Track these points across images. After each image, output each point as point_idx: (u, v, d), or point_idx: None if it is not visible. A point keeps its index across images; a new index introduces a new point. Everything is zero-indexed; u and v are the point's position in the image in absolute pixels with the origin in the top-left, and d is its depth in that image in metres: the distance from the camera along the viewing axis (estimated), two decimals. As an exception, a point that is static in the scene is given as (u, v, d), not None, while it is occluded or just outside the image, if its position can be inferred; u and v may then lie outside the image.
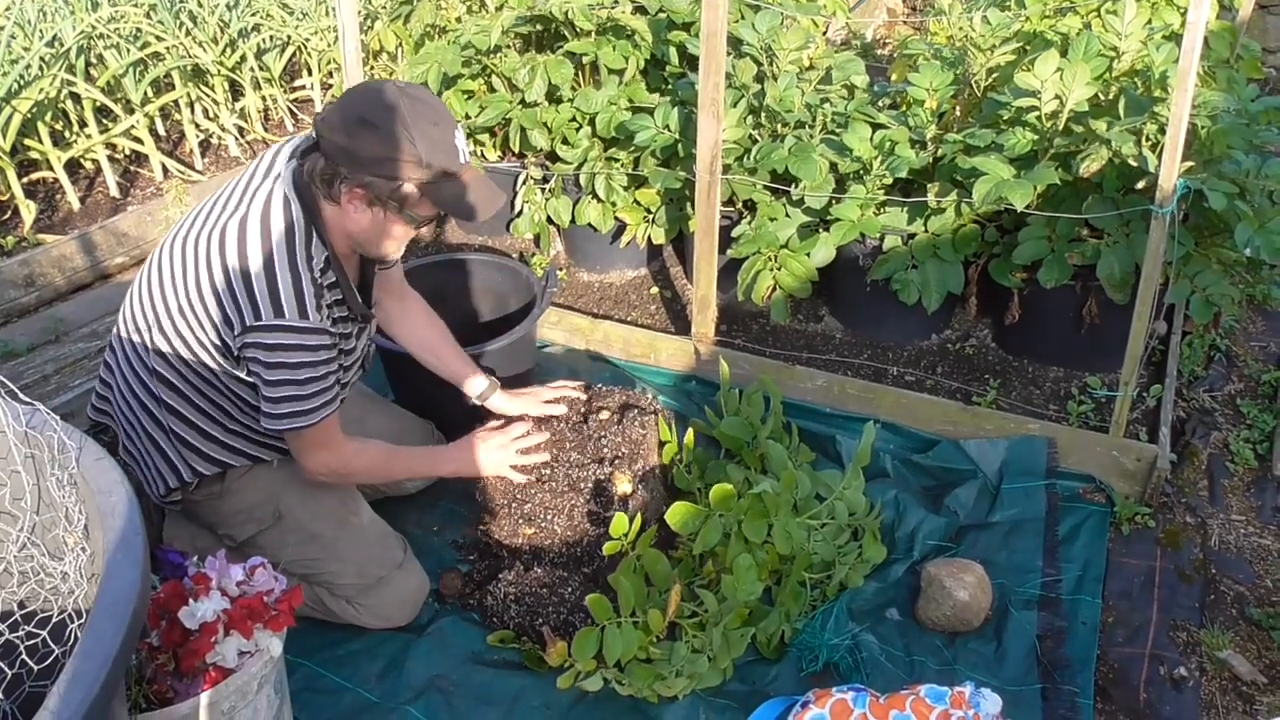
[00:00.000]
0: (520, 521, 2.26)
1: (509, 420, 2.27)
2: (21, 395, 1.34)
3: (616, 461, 2.26)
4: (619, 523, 2.09)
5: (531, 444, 2.21)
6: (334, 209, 1.82)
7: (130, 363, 1.94)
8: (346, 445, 1.99)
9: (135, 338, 1.92)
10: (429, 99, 1.78)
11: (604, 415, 2.36)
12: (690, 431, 2.48)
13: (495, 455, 2.18)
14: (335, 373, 1.88)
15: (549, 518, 2.23)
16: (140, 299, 1.92)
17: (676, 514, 2.10)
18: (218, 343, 1.82)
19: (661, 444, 2.41)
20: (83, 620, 1.11)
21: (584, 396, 2.38)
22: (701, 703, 1.95)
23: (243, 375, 1.85)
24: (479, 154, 3.45)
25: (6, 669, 1.19)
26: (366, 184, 1.75)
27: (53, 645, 1.17)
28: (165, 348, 1.87)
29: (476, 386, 2.30)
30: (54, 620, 1.20)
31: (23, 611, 1.25)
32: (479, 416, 2.33)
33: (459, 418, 2.35)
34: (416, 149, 1.73)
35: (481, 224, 3.71)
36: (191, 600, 1.53)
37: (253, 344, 1.77)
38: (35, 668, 1.18)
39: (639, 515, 2.14)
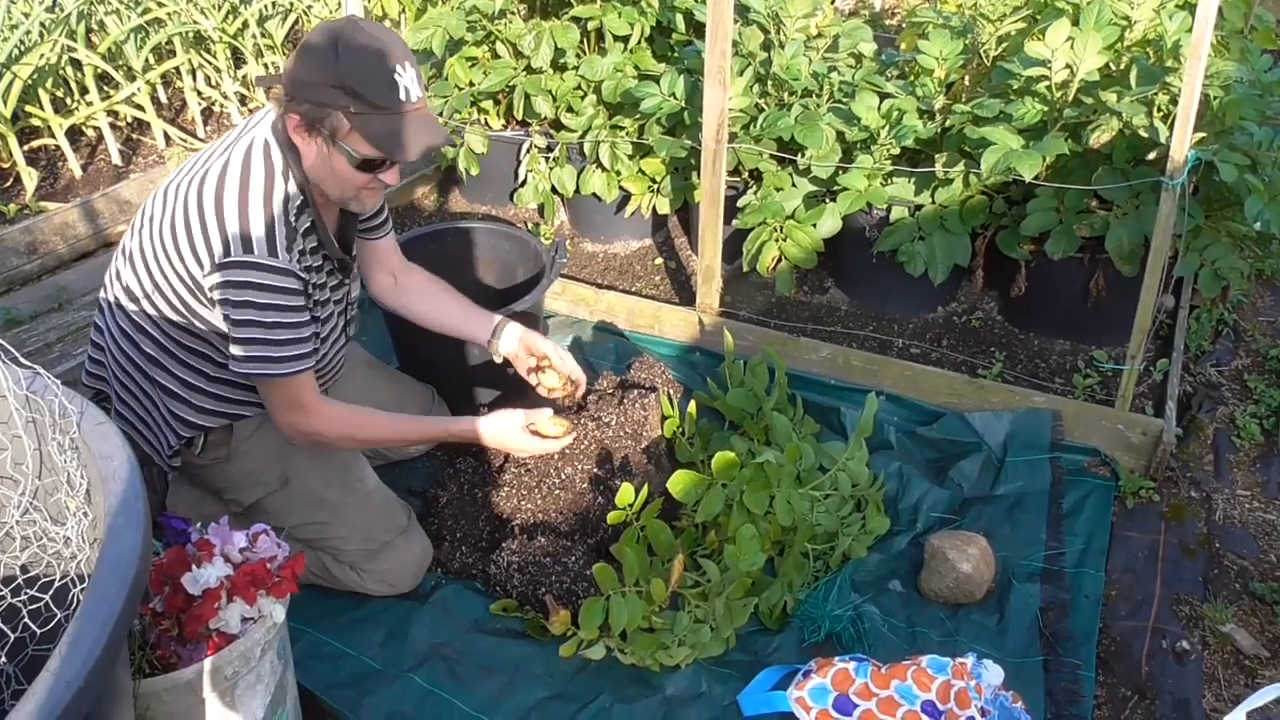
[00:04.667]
0: (524, 492, 2.26)
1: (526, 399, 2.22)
2: (22, 360, 1.33)
3: (619, 440, 2.26)
4: (624, 493, 2.09)
5: (549, 432, 2.10)
6: (304, 150, 1.81)
7: (118, 321, 1.94)
8: (324, 409, 1.94)
9: (121, 295, 1.92)
10: (381, 33, 1.74)
11: (604, 393, 2.37)
12: (693, 403, 2.48)
13: (508, 432, 2.07)
14: (308, 324, 1.86)
15: (552, 489, 2.24)
16: (124, 254, 1.92)
17: (679, 482, 2.10)
18: (191, 284, 1.81)
19: (664, 418, 2.40)
20: (85, 584, 1.10)
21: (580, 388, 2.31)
22: (704, 672, 1.95)
23: (216, 321, 1.84)
24: (482, 121, 3.42)
25: (10, 632, 1.19)
26: (301, 110, 1.74)
27: (55, 609, 1.17)
28: (147, 299, 1.87)
29: (491, 334, 2.24)
30: (56, 584, 1.20)
31: (25, 576, 1.26)
32: (479, 380, 2.32)
33: (461, 381, 2.34)
34: (343, 76, 1.70)
35: (486, 193, 3.68)
36: (195, 566, 1.53)
37: (221, 283, 1.76)
38: (38, 631, 1.18)
39: (645, 486, 2.14)
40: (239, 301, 1.77)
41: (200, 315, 1.85)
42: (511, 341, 2.25)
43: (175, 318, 1.86)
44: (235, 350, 1.82)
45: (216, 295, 1.78)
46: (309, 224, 1.87)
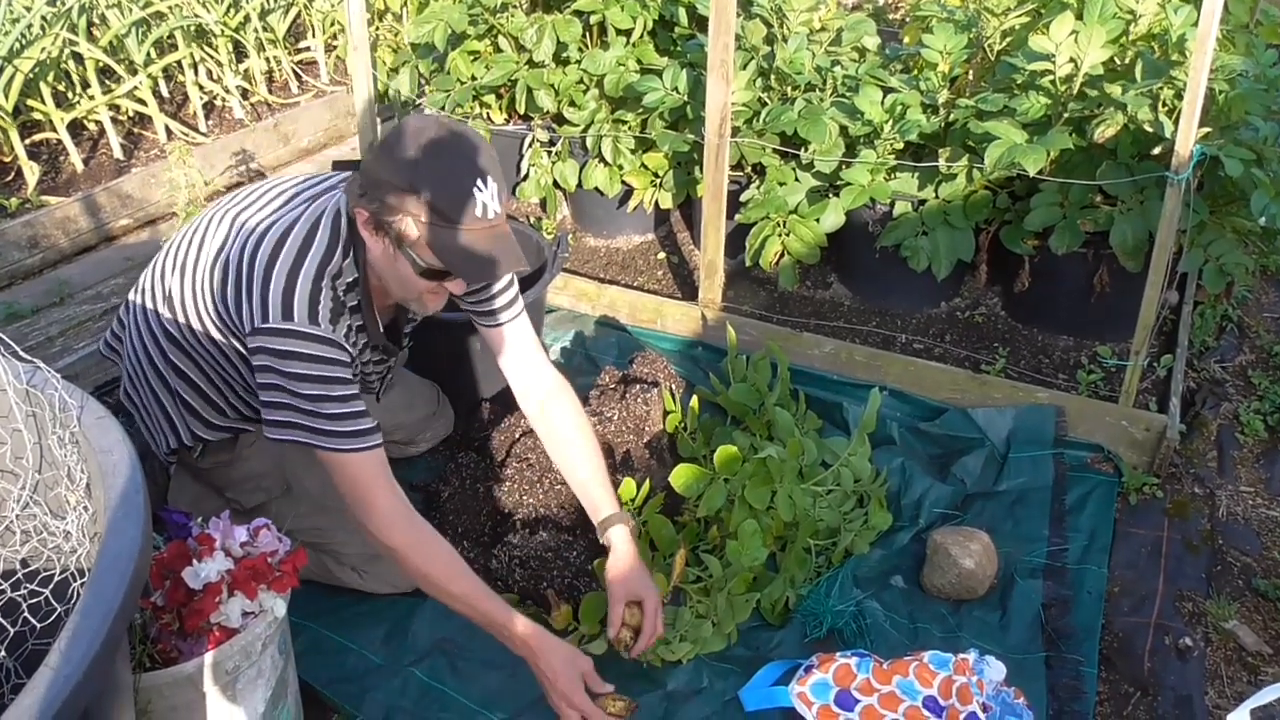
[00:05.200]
0: (526, 487, 2.26)
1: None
2: (22, 353, 1.33)
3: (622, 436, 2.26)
4: (626, 488, 2.09)
5: (609, 708, 1.78)
6: (371, 245, 1.72)
7: (148, 320, 1.92)
8: (394, 512, 1.74)
9: (159, 295, 1.89)
10: (466, 141, 1.64)
11: (606, 389, 2.37)
12: (695, 398, 2.47)
13: (563, 675, 1.75)
14: (356, 399, 1.72)
15: (554, 484, 2.23)
16: (173, 260, 1.88)
17: (680, 476, 2.10)
18: (237, 327, 1.75)
19: (665, 413, 2.40)
20: (85, 579, 1.10)
21: (644, 645, 1.91)
22: (705, 667, 1.95)
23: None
24: (484, 116, 3.41)
25: (10, 626, 1.19)
26: (371, 209, 1.64)
27: (55, 604, 1.16)
28: (184, 312, 1.84)
29: (604, 519, 1.99)
30: (56, 579, 1.20)
31: (25, 570, 1.25)
32: (482, 376, 2.30)
33: (464, 376, 2.34)
34: (418, 183, 1.59)
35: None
36: (195, 560, 1.53)
37: (261, 349, 1.68)
38: (38, 625, 1.18)
39: (647, 481, 2.13)
40: (283, 373, 1.67)
41: (234, 348, 1.80)
42: (612, 540, 1.97)
43: (216, 337, 1.81)
44: (265, 414, 1.72)
45: (258, 361, 1.69)
46: (356, 303, 1.78)
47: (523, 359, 2.05)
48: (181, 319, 1.85)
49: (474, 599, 1.76)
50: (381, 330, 1.88)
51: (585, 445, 2.03)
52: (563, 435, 2.03)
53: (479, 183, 1.61)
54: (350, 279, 1.75)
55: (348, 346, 1.72)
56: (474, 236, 1.62)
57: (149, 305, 1.92)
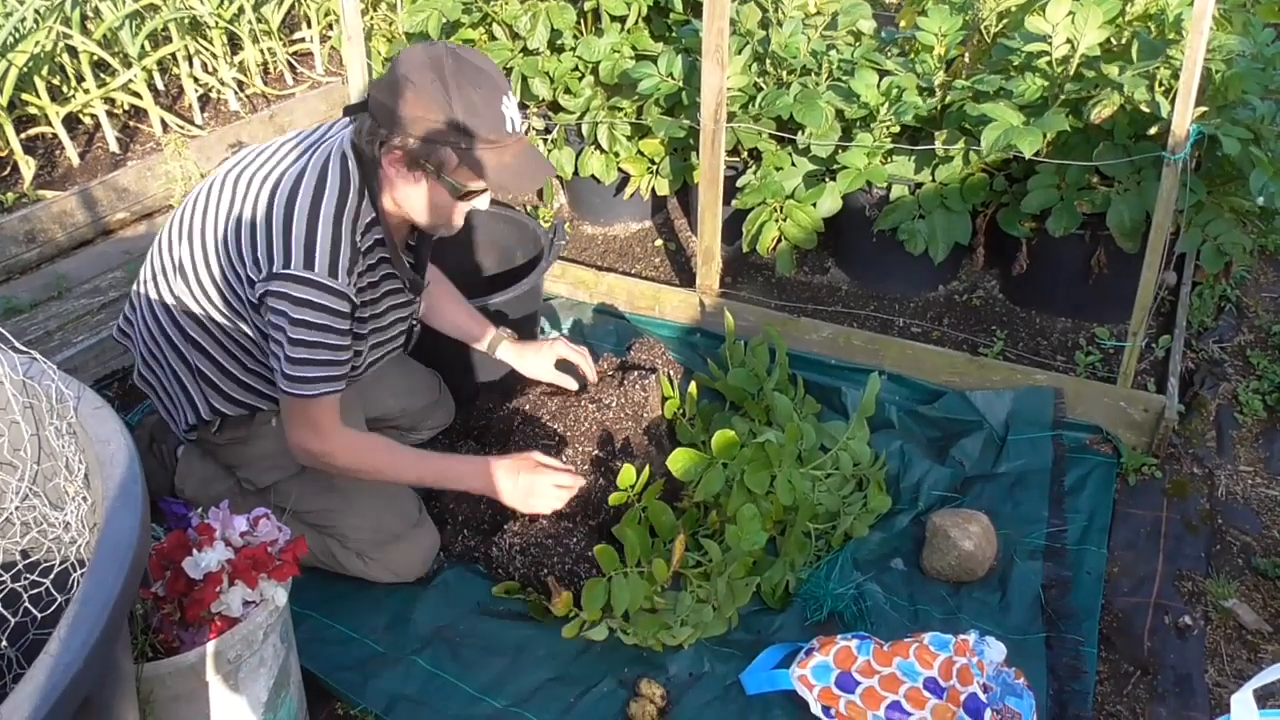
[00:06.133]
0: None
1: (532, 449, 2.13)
2: (18, 345, 1.33)
3: (620, 422, 2.26)
4: (625, 474, 2.09)
5: (564, 484, 2.01)
6: (399, 182, 1.78)
7: (160, 293, 1.92)
8: (341, 436, 1.88)
9: (170, 268, 1.90)
10: (479, 62, 1.71)
11: (605, 375, 2.37)
12: (693, 384, 2.47)
13: (522, 492, 1.99)
14: (347, 348, 1.82)
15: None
16: (181, 228, 1.89)
17: (678, 461, 2.10)
18: (246, 278, 1.78)
19: (664, 399, 2.40)
20: (84, 569, 1.10)
21: (594, 377, 2.37)
22: (706, 651, 1.96)
23: (259, 322, 1.82)
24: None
25: (11, 617, 1.19)
26: (405, 145, 1.70)
27: (56, 594, 1.17)
28: (197, 282, 1.85)
29: (487, 342, 2.30)
30: (56, 569, 1.21)
31: (26, 561, 1.26)
32: (483, 364, 2.32)
33: (465, 364, 2.35)
34: (453, 110, 1.66)
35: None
36: (195, 550, 1.53)
37: (276, 293, 1.72)
38: (39, 615, 1.18)
39: (646, 467, 2.14)
40: (295, 319, 1.73)
41: (244, 308, 1.83)
42: (504, 356, 2.31)
43: (227, 304, 1.84)
44: (271, 363, 1.80)
45: (269, 302, 1.74)
46: (374, 242, 1.82)
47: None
48: (194, 286, 1.86)
49: (428, 474, 2.03)
50: (406, 265, 1.93)
51: (452, 298, 2.27)
52: (434, 303, 2.23)
53: (504, 100, 1.71)
54: (369, 219, 1.79)
55: (355, 298, 1.78)
56: (510, 151, 1.73)
57: (159, 280, 1.92)
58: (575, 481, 2.02)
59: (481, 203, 1.83)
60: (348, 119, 1.83)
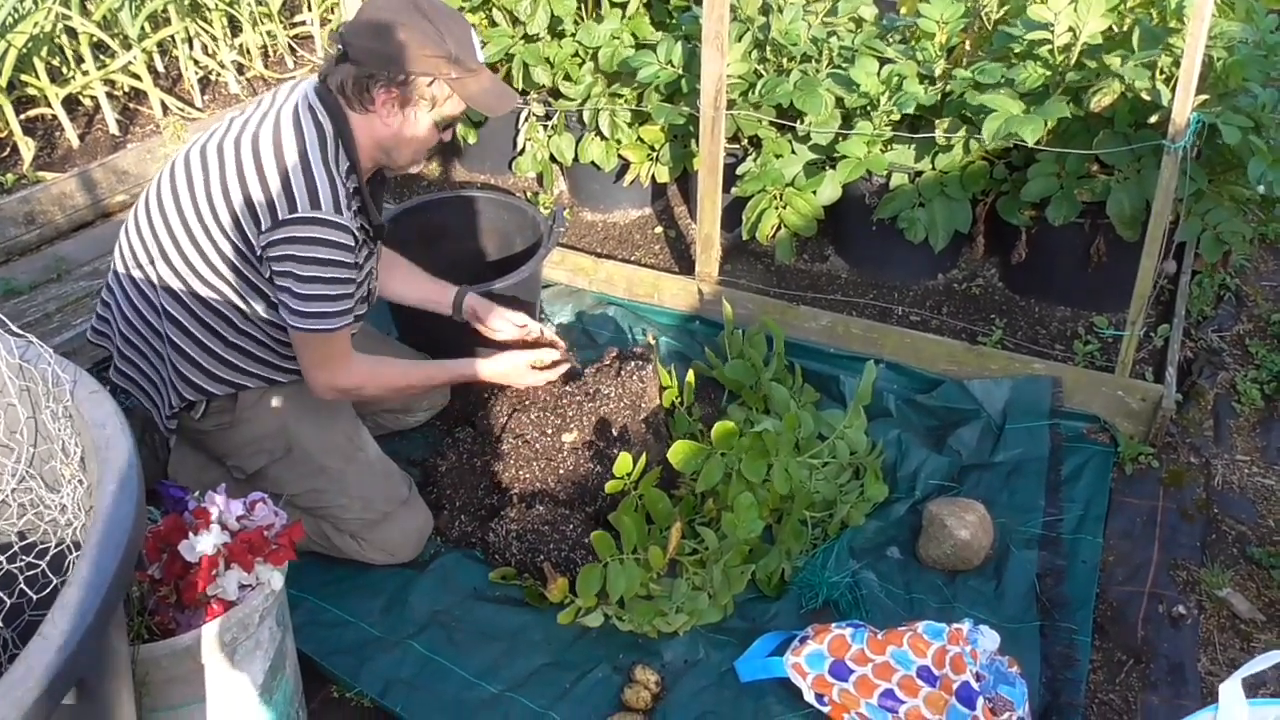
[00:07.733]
0: (523, 461, 2.26)
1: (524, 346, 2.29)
2: (14, 328, 1.33)
3: (617, 412, 2.26)
4: (622, 462, 2.09)
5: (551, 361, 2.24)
6: (360, 117, 1.84)
7: (132, 276, 1.93)
8: (360, 363, 1.99)
9: (142, 248, 1.90)
10: (442, 1, 1.83)
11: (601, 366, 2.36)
12: (690, 373, 2.47)
13: (501, 375, 2.19)
14: (357, 281, 1.89)
15: (551, 458, 2.24)
16: (151, 209, 1.90)
17: (678, 452, 2.10)
18: (238, 246, 1.81)
19: (662, 388, 2.40)
20: (80, 551, 1.11)
21: (572, 365, 2.36)
22: (701, 638, 1.96)
23: (258, 282, 1.84)
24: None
25: (7, 599, 1.20)
26: (403, 82, 1.79)
27: (51, 576, 1.17)
28: (178, 256, 1.86)
29: (451, 301, 2.32)
30: (52, 551, 1.21)
31: (22, 543, 1.26)
32: (478, 351, 2.32)
33: (459, 352, 2.34)
34: (447, 44, 1.78)
35: (485, 161, 3.67)
36: (191, 534, 1.54)
37: (286, 239, 1.77)
38: (35, 597, 1.19)
39: (643, 455, 2.14)
40: (306, 258, 1.78)
41: (232, 283, 1.85)
42: (471, 307, 2.33)
43: (206, 275, 1.86)
44: (296, 306, 1.82)
45: (277, 252, 1.78)
46: (353, 188, 1.88)
47: None
48: (177, 262, 1.87)
49: (438, 376, 2.22)
50: (376, 211, 1.97)
51: (408, 267, 2.33)
52: (394, 274, 2.29)
53: (471, 31, 1.84)
54: (346, 165, 1.85)
55: (358, 232, 1.85)
56: (485, 78, 1.87)
57: (133, 268, 1.93)
58: (555, 372, 2.23)
59: (447, 135, 1.93)
60: (293, 84, 1.90)
